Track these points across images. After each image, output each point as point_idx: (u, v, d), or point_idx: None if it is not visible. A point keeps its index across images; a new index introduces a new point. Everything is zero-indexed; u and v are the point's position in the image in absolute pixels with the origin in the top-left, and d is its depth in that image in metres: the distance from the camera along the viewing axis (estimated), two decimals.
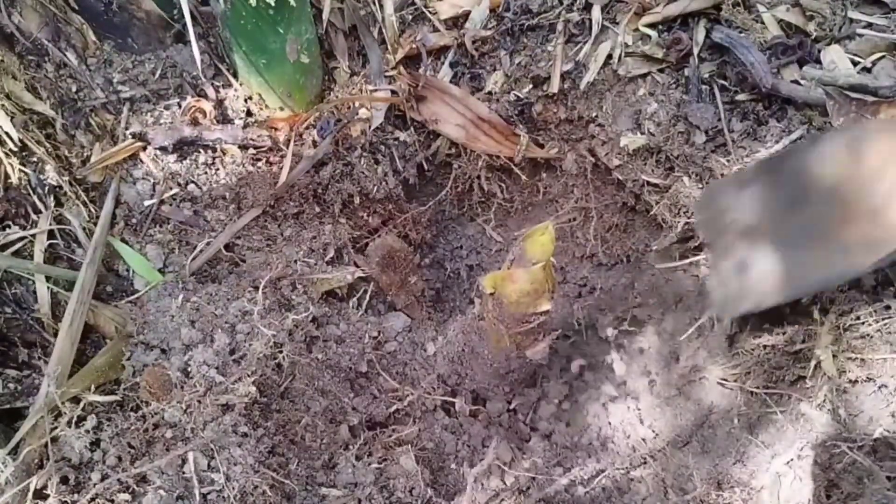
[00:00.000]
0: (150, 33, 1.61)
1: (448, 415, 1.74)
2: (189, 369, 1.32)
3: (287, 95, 1.67)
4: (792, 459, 1.35)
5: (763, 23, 1.61)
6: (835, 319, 1.37)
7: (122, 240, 1.56)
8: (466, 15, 1.82)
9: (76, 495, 1.16)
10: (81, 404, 1.30)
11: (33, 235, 1.47)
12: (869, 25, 1.51)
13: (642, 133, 1.69)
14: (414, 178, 1.96)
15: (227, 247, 1.63)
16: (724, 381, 1.62)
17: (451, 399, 1.75)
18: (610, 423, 1.83)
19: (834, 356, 1.37)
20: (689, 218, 1.70)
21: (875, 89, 1.41)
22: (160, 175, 1.59)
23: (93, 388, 1.35)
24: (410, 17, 1.83)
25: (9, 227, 1.46)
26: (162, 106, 1.62)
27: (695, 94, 1.62)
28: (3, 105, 1.44)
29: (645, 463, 1.64)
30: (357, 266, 1.81)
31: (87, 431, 1.26)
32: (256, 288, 1.50)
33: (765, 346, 1.53)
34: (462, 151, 1.93)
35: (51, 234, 1.50)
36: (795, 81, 1.52)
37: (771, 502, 1.35)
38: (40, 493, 1.18)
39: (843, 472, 1.26)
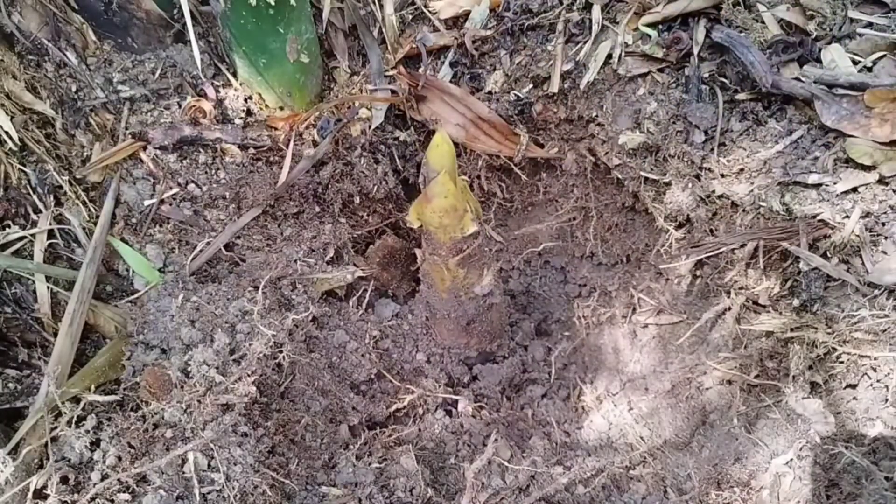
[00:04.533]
0: (150, 33, 1.61)
1: (448, 415, 1.74)
2: (189, 369, 1.32)
3: (287, 95, 1.67)
4: (791, 459, 1.35)
5: (763, 22, 1.60)
6: (832, 319, 1.37)
7: (122, 239, 1.56)
8: (466, 15, 1.82)
9: (76, 495, 1.16)
10: (81, 404, 1.30)
11: (33, 235, 1.47)
12: (869, 25, 1.51)
13: (642, 132, 1.69)
14: (414, 178, 1.95)
15: (227, 246, 1.63)
16: (722, 379, 1.62)
17: (453, 397, 1.75)
18: (609, 422, 1.83)
19: (832, 356, 1.37)
20: (687, 218, 1.70)
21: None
22: (160, 175, 1.59)
23: (93, 388, 1.35)
24: (410, 16, 1.83)
25: (9, 226, 1.46)
26: (162, 105, 1.62)
27: (694, 94, 1.62)
28: (3, 105, 1.44)
29: (644, 462, 1.64)
30: (357, 266, 1.81)
31: (87, 431, 1.26)
32: (256, 288, 1.50)
33: (761, 344, 1.53)
34: (462, 151, 1.93)
35: (51, 234, 1.50)
36: (797, 79, 1.52)
37: (771, 502, 1.35)
38: (40, 493, 1.18)
39: (842, 472, 1.26)
